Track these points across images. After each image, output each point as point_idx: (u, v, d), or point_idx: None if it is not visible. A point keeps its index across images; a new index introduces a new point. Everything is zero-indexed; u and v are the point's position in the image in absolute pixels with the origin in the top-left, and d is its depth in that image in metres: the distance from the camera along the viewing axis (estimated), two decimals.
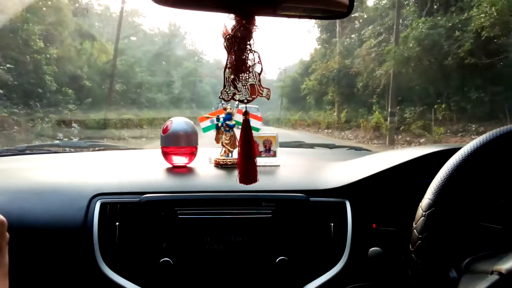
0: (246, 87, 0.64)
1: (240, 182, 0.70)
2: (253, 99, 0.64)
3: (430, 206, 0.70)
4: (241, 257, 0.95)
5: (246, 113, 0.69)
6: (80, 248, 0.91)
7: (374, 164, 1.08)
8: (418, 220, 0.70)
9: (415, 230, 0.70)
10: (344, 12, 0.68)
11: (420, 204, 0.72)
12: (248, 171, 0.69)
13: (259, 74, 0.63)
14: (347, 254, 0.96)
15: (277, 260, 0.94)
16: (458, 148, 0.77)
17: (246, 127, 0.69)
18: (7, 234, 0.58)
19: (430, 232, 0.68)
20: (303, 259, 0.96)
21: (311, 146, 1.85)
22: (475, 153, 0.70)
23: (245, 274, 0.95)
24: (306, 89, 23.37)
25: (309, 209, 0.98)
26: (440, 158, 0.86)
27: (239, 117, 1.22)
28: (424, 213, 0.70)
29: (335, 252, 0.97)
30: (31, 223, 0.92)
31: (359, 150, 1.78)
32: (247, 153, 0.68)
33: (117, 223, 0.93)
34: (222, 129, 1.22)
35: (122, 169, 1.20)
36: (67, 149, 1.70)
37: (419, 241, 0.68)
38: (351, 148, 1.86)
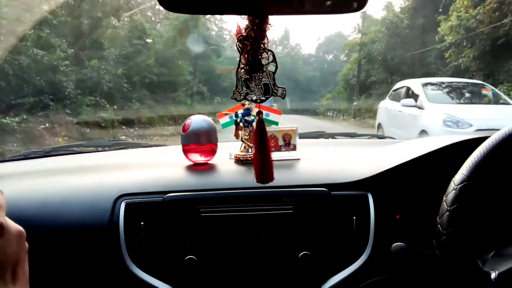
0: (260, 86, 0.63)
1: (257, 181, 0.70)
2: (267, 98, 0.63)
3: (462, 180, 0.69)
4: (264, 253, 0.96)
5: (259, 113, 0.67)
6: (108, 248, 0.94)
7: (397, 155, 1.06)
8: (449, 194, 0.70)
9: (439, 221, 0.69)
10: (361, 2, 0.66)
11: (453, 178, 0.71)
12: (264, 171, 0.68)
13: (274, 73, 0.62)
14: (370, 247, 0.95)
15: (300, 255, 0.94)
16: (485, 138, 0.74)
17: (260, 128, 0.67)
18: (26, 244, 0.60)
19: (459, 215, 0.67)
20: (326, 253, 0.96)
21: (332, 136, 1.82)
22: None
23: (268, 269, 0.96)
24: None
25: (331, 203, 0.97)
26: (466, 147, 0.84)
27: None
28: (456, 186, 0.69)
29: (358, 245, 0.96)
30: (59, 226, 0.95)
31: (382, 139, 1.75)
32: (263, 154, 0.67)
33: (142, 223, 0.95)
34: (241, 124, 1.22)
35: (144, 168, 1.22)
36: (92, 148, 1.74)
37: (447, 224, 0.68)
38: (373, 136, 1.82)
